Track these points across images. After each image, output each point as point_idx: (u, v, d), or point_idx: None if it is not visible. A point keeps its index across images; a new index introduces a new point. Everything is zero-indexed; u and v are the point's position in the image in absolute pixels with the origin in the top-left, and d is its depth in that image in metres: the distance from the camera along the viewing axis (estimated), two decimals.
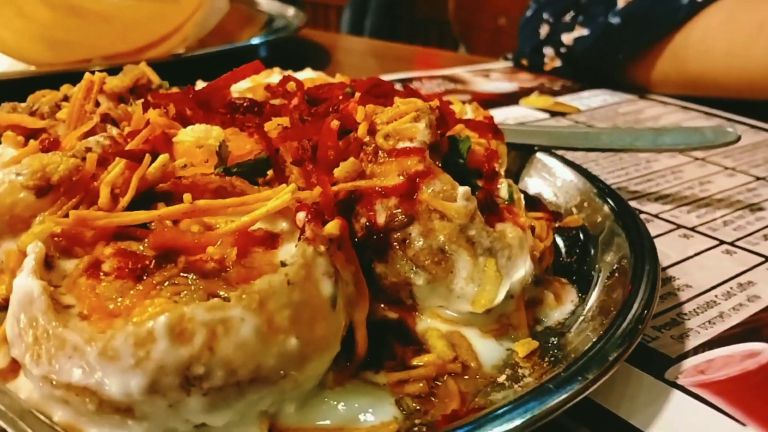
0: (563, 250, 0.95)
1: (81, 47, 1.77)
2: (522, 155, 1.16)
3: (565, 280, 0.86)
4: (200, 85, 1.17)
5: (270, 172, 0.75)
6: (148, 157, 0.70)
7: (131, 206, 0.67)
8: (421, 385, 0.64)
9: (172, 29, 1.78)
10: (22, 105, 0.90)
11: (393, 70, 2.17)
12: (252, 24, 2.40)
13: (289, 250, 0.66)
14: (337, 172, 0.71)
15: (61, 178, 0.65)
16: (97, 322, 0.54)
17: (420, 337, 0.71)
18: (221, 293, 0.57)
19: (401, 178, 0.70)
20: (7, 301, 0.64)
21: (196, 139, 0.77)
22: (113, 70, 0.98)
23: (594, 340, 0.64)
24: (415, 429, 0.59)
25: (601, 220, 0.96)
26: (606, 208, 0.97)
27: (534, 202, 1.06)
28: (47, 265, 0.58)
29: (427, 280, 0.70)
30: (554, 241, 0.95)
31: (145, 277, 0.59)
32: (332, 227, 0.61)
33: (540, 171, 1.12)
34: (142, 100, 0.85)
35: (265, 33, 2.21)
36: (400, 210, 0.69)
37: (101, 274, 0.59)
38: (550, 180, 1.10)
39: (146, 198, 0.70)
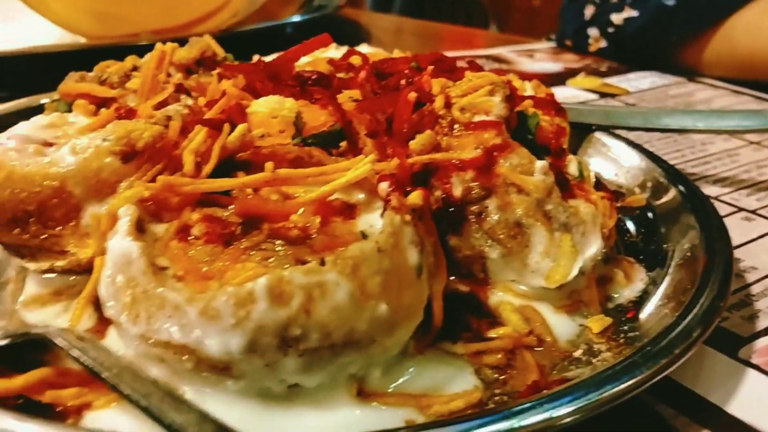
0: (627, 229, 0.95)
1: (128, 21, 1.79)
2: (580, 134, 1.15)
3: (632, 260, 0.86)
4: (256, 59, 1.18)
5: (343, 144, 0.76)
6: (227, 126, 0.71)
7: (213, 174, 0.69)
8: (499, 356, 0.65)
9: (219, 4, 1.79)
10: (90, 75, 0.92)
11: (434, 49, 2.16)
12: (289, 2, 2.40)
13: (367, 220, 0.67)
14: (413, 144, 0.71)
15: (146, 144, 0.66)
16: (193, 283, 0.55)
17: (493, 310, 0.72)
18: (309, 259, 0.59)
19: (478, 151, 0.70)
20: (90, 263, 0.67)
21: (270, 110, 0.78)
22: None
23: (674, 318, 0.64)
24: (496, 398, 0.60)
25: (666, 200, 0.96)
26: (671, 187, 0.96)
27: (595, 182, 1.05)
28: (139, 228, 0.60)
29: (501, 253, 0.70)
30: (618, 220, 0.94)
31: (233, 243, 0.60)
32: (416, 197, 0.62)
33: (599, 150, 1.12)
34: (216, 71, 0.86)
35: (305, 11, 2.22)
36: (477, 183, 0.70)
37: (191, 238, 0.61)
38: (610, 159, 1.10)
39: (226, 166, 0.71)
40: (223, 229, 0.62)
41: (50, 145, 0.74)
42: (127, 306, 0.54)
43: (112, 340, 0.62)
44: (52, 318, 0.67)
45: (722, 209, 1.10)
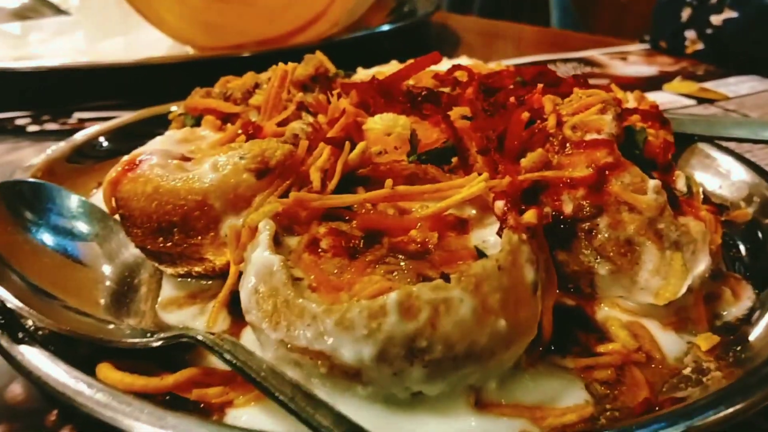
0: (732, 244, 0.94)
1: (232, 31, 1.88)
2: (682, 144, 1.14)
3: (740, 276, 0.85)
4: (361, 72, 1.23)
5: (455, 159, 0.79)
6: (348, 144, 0.76)
7: (335, 189, 0.73)
8: (608, 372, 0.66)
9: (317, 13, 1.86)
10: (215, 91, 0.99)
11: (526, 52, 2.16)
12: (379, 8, 2.44)
13: (479, 236, 0.70)
14: (525, 162, 0.74)
15: (278, 162, 0.71)
16: (325, 294, 0.60)
17: (600, 325, 0.73)
18: (430, 274, 0.62)
19: (590, 169, 0.72)
20: (223, 269, 0.73)
21: (386, 127, 0.82)
22: (266, 57, 1.04)
23: None
24: (607, 414, 0.62)
25: None
26: None
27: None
28: (276, 241, 0.65)
29: (610, 270, 0.71)
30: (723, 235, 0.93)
31: (357, 256, 0.65)
32: (531, 216, 0.65)
33: (702, 161, 1.10)
34: (336, 90, 0.91)
35: (395, 17, 2.26)
36: (588, 201, 0.71)
37: (320, 250, 0.65)
38: (714, 171, 1.08)
39: (347, 181, 0.76)
40: (347, 242, 0.66)
41: (187, 159, 0.81)
42: (269, 314, 0.59)
43: (246, 342, 0.67)
44: (190, 319, 0.74)
45: None
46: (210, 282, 0.76)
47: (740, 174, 1.04)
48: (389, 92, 0.88)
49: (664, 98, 1.74)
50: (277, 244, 0.64)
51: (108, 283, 0.75)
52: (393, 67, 1.27)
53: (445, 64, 1.18)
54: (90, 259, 0.76)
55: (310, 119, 0.83)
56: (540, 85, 0.81)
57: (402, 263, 0.63)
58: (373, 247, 0.65)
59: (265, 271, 0.60)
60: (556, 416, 0.60)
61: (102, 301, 0.72)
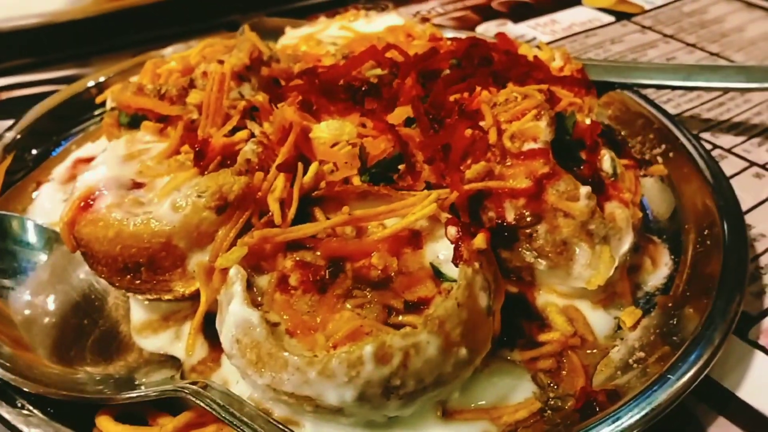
0: (648, 203, 1.04)
1: None
2: (602, 92, 1.20)
3: (658, 240, 0.95)
4: (289, 33, 1.21)
5: (402, 167, 0.83)
6: (301, 166, 0.79)
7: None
8: (550, 361, 0.77)
9: None
10: (148, 87, 0.97)
11: None
12: None
13: (432, 250, 0.76)
14: (470, 173, 0.79)
15: (236, 196, 0.74)
16: (303, 338, 0.66)
17: (540, 310, 0.83)
18: (394, 304, 0.69)
19: (529, 181, 0.78)
20: (193, 295, 0.77)
21: (333, 136, 0.85)
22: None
23: (700, 324, 0.75)
24: (551, 402, 0.73)
25: (687, 171, 1.03)
26: (690, 159, 1.04)
27: (618, 147, 1.13)
28: (247, 285, 0.69)
29: (548, 266, 0.80)
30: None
31: (326, 289, 0.70)
32: (480, 242, 0.71)
33: (622, 110, 1.18)
34: (266, 98, 0.91)
35: None
36: (528, 211, 0.78)
37: (290, 288, 0.71)
38: (633, 121, 1.16)
39: (302, 202, 0.79)
40: (315, 275, 0.71)
41: (139, 185, 0.81)
42: (253, 363, 0.65)
43: (227, 369, 0.73)
44: (168, 345, 0.79)
45: (734, 165, 1.18)
46: (181, 303, 0.80)
47: (655, 124, 1.13)
48: (331, 90, 0.89)
49: (583, 15, 1.78)
50: (249, 287, 0.69)
51: (85, 321, 0.78)
52: (322, 25, 1.26)
53: (376, 22, 1.19)
54: (61, 299, 0.79)
55: (257, 130, 0.85)
56: (478, 89, 0.84)
57: (368, 294, 0.69)
58: (339, 277, 0.71)
59: (245, 324, 0.65)
60: (510, 414, 0.71)
61: (83, 341, 0.76)
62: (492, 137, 0.78)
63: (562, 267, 0.79)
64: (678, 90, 1.33)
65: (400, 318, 0.67)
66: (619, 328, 0.82)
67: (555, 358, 0.76)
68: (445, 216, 0.74)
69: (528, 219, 0.76)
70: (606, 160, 0.91)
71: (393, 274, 0.71)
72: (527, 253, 0.78)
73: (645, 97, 1.17)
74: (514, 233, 0.77)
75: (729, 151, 1.19)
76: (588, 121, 0.93)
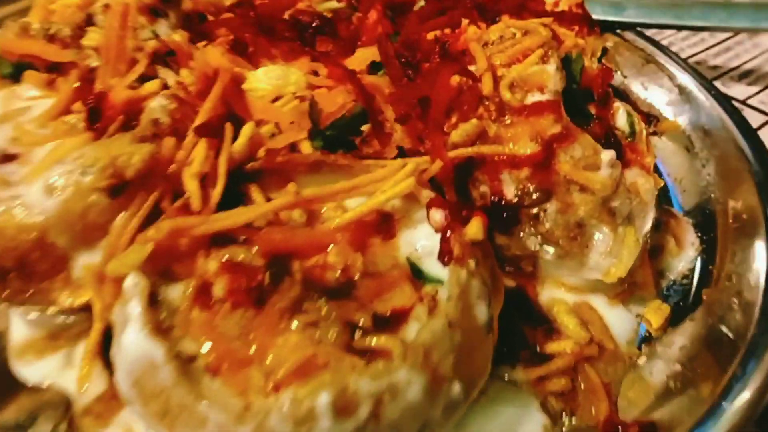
0: (664, 167, 0.86)
1: None
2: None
3: (679, 214, 0.78)
4: None
5: (366, 127, 0.63)
6: (229, 128, 0.58)
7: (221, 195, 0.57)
8: (563, 381, 0.59)
9: None
10: (35, 26, 0.74)
11: None
12: None
13: (409, 239, 0.57)
14: (456, 135, 0.60)
15: (137, 171, 0.53)
16: (231, 376, 0.47)
17: (545, 309, 0.65)
18: (358, 319, 0.50)
19: (535, 145, 0.59)
20: (85, 306, 0.57)
21: (275, 88, 0.64)
22: None
23: (752, 325, 0.58)
24: None
25: (708, 128, 0.86)
26: (714, 112, 0.86)
27: (623, 100, 0.94)
28: (151, 300, 0.49)
29: (557, 255, 0.62)
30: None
31: (266, 301, 0.50)
32: (475, 230, 0.52)
33: (627, 58, 0.99)
34: (187, 37, 0.68)
35: None
36: (533, 185, 0.59)
37: (214, 302, 0.50)
38: (638, 68, 0.98)
39: (234, 179, 0.59)
40: (249, 281, 0.51)
41: (12, 157, 0.60)
42: (160, 415, 0.45)
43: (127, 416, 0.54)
44: (56, 373, 0.59)
45: (753, 119, 1.01)
46: (73, 317, 0.59)
47: (667, 71, 0.94)
48: (271, 27, 0.68)
49: None
50: (153, 304, 0.48)
51: None
52: None
53: None
54: None
55: (172, 80, 0.63)
56: (465, 22, 0.64)
57: (323, 308, 0.49)
58: (283, 282, 0.51)
59: (146, 362, 0.45)
60: None
61: None
62: (486, 86, 0.58)
63: (575, 256, 0.61)
64: (682, 32, 1.14)
65: (368, 340, 0.47)
66: (644, 330, 0.65)
67: (568, 376, 0.59)
68: (426, 194, 0.55)
69: (533, 195, 0.58)
70: (621, 115, 0.72)
71: (357, 276, 0.52)
72: (531, 238, 0.61)
73: (650, 39, 0.98)
74: (514, 214, 0.59)
75: (744, 102, 1.02)
76: (595, 66, 0.74)
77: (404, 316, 0.51)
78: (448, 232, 0.50)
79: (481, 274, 0.50)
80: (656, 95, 0.92)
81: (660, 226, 0.74)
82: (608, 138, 0.67)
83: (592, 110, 0.71)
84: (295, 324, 0.49)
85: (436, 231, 0.52)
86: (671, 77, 0.93)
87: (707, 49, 1.16)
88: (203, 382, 0.45)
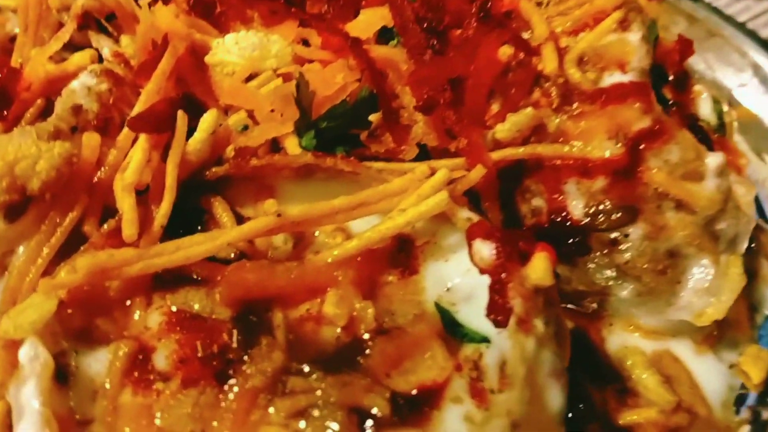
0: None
1: None
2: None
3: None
4: None
5: (375, 118, 0.48)
6: (183, 120, 0.42)
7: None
8: None
9: None
10: None
11: None
12: None
13: (438, 275, 0.43)
14: (503, 129, 0.45)
15: (45, 183, 0.37)
16: None
17: (615, 361, 0.50)
18: (370, 405, 0.34)
19: (615, 143, 0.44)
20: None
21: (249, 62, 0.48)
22: None
23: None
24: None
25: None
26: None
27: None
28: (59, 376, 0.33)
29: (637, 293, 0.49)
30: None
31: (232, 375, 0.35)
32: (542, 272, 0.37)
33: (685, 30, 0.83)
34: None
35: None
36: (612, 200, 0.44)
37: (154, 378, 0.35)
38: (702, 44, 0.82)
39: (188, 190, 0.43)
40: (208, 344, 0.36)
41: None
42: None
43: None
44: None
45: None
46: None
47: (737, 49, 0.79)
48: None
49: None
50: (63, 382, 0.33)
51: None
52: None
53: None
54: None
55: (107, 49, 0.47)
56: None
57: (317, 386, 0.34)
58: (259, 344, 0.36)
59: None
60: None
61: None
62: (548, 62, 0.43)
63: (661, 294, 0.49)
64: None
65: None
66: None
67: None
68: (464, 215, 0.40)
69: (612, 215, 0.44)
70: (704, 101, 0.58)
71: (367, 334, 0.36)
72: (602, 272, 0.48)
73: (713, 8, 0.82)
74: (582, 240, 0.44)
75: None
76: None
77: (436, 397, 0.36)
78: (504, 279, 0.34)
79: (552, 338, 0.34)
80: (726, 76, 0.76)
81: (752, 247, 0.58)
82: (692, 132, 0.51)
83: (667, 94, 0.56)
84: (274, 413, 0.34)
85: (483, 272, 0.36)
86: (742, 54, 0.77)
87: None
88: None
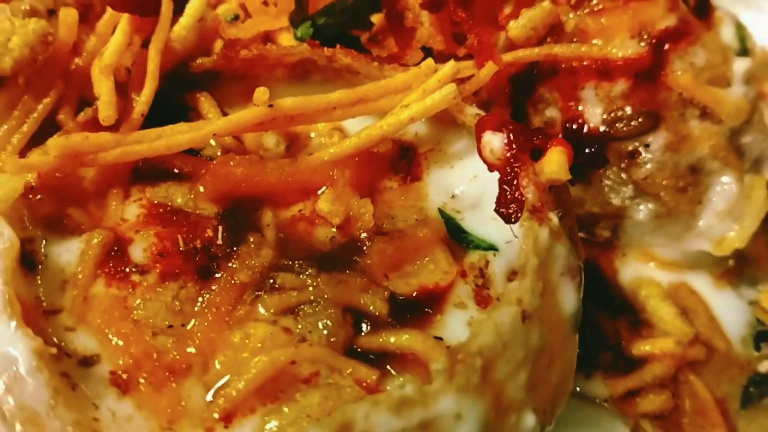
0: None
1: None
2: None
3: None
4: None
5: (377, 18, 0.47)
6: (169, 4, 0.39)
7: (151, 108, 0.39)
8: (661, 398, 0.43)
9: None
10: None
11: None
12: None
13: (443, 182, 0.41)
14: (516, 27, 0.43)
15: (18, 62, 0.35)
16: (151, 398, 0.29)
17: (629, 292, 0.49)
18: (368, 303, 0.32)
19: (638, 42, 0.42)
20: None
21: None
22: None
23: None
24: None
25: None
26: None
27: None
28: (26, 262, 0.31)
29: (656, 214, 0.47)
30: None
31: (216, 270, 0.33)
32: (557, 165, 0.35)
33: None
34: None
35: None
36: (632, 105, 0.42)
37: (132, 269, 0.33)
38: None
39: (172, 82, 0.41)
40: (191, 238, 0.34)
41: None
42: None
43: None
44: None
45: None
46: None
47: None
48: None
49: None
50: (31, 268, 0.31)
51: None
52: None
53: None
54: None
55: None
56: None
57: (310, 283, 0.32)
58: (246, 241, 0.34)
59: (11, 374, 0.27)
60: None
61: None
62: None
63: (681, 216, 0.46)
64: None
65: (385, 338, 0.30)
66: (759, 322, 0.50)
67: (667, 390, 0.44)
68: (472, 111, 0.37)
69: (632, 122, 0.41)
70: (726, 26, 0.55)
71: (364, 234, 0.34)
72: (618, 189, 0.45)
73: None
74: (599, 150, 0.42)
75: None
76: None
77: (439, 301, 0.34)
78: (516, 168, 0.32)
79: (567, 234, 0.33)
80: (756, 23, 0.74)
81: None
82: None
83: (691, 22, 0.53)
84: (262, 309, 0.32)
85: (492, 167, 0.34)
86: None
87: None
88: (104, 402, 0.28)
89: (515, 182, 0.34)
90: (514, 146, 0.36)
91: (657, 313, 0.50)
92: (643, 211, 0.48)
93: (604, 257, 0.53)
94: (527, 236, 0.31)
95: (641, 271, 0.53)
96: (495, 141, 0.37)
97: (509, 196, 0.34)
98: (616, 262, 0.53)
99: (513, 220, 0.33)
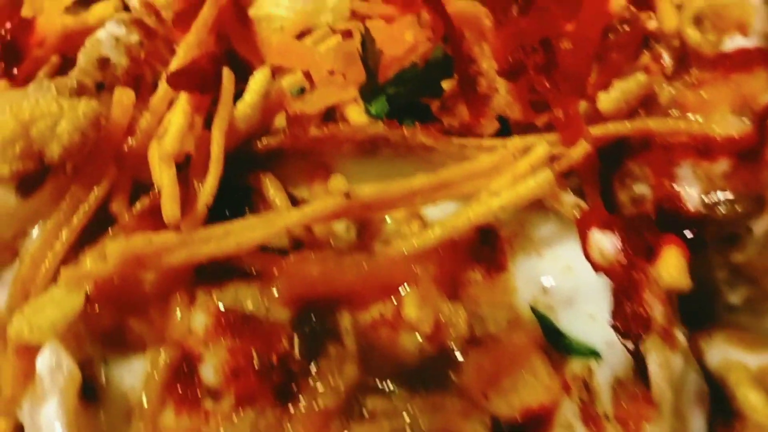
0: None
1: None
2: None
3: None
4: None
5: (447, 86, 0.43)
6: (230, 79, 0.36)
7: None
8: None
9: None
10: None
11: None
12: None
13: (530, 272, 0.37)
14: (608, 100, 0.41)
15: (66, 150, 0.32)
16: None
17: (715, 376, 0.45)
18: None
19: (740, 119, 0.39)
20: None
21: (300, 16, 0.43)
22: None
23: None
24: None
25: None
26: None
27: None
28: (86, 391, 0.28)
29: (750, 297, 0.44)
30: None
31: (296, 390, 0.30)
32: (676, 270, 0.31)
33: None
34: None
35: None
36: (734, 187, 0.40)
37: (203, 394, 0.30)
38: None
39: (236, 163, 0.38)
40: (265, 356, 0.31)
41: None
42: None
43: None
44: None
45: None
46: None
47: None
48: None
49: None
50: (90, 400, 0.28)
51: None
52: None
53: None
54: None
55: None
56: None
57: (402, 408, 0.30)
58: (327, 352, 0.30)
59: None
60: None
61: None
62: (668, 18, 0.40)
63: None
64: None
65: None
66: None
67: None
68: (569, 200, 0.34)
69: (736, 206, 0.38)
70: None
71: (457, 343, 0.31)
72: (715, 272, 0.42)
73: None
74: (696, 233, 0.40)
75: None
76: None
77: (544, 424, 0.31)
78: (634, 277, 0.29)
79: (691, 353, 0.30)
80: None
81: None
82: None
83: None
84: None
85: (602, 269, 0.31)
86: None
87: None
88: None
89: (637, 295, 0.31)
90: (628, 249, 0.33)
91: (747, 400, 0.47)
92: (737, 294, 0.46)
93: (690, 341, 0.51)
94: (662, 368, 0.28)
95: (728, 354, 0.51)
96: (606, 243, 0.34)
97: (628, 310, 0.31)
98: (701, 343, 0.51)
99: (633, 339, 0.30)
